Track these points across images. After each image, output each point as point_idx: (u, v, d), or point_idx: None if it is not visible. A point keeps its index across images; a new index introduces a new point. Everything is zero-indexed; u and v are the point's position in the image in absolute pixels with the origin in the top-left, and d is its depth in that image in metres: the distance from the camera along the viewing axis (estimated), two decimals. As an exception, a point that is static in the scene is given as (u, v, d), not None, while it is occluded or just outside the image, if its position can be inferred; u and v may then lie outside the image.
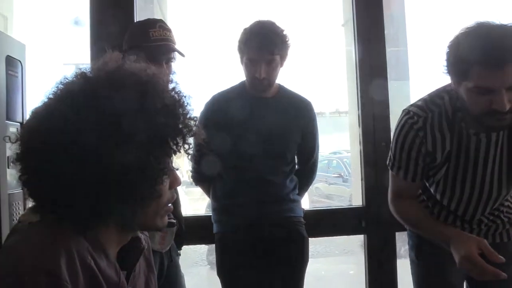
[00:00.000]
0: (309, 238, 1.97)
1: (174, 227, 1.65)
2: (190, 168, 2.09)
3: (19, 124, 1.77)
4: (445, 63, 1.33)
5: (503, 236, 1.57)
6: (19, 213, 1.73)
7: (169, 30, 1.72)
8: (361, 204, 2.35)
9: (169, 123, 0.81)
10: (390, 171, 1.54)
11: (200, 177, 2.06)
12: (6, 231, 1.63)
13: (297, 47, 2.05)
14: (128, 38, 1.73)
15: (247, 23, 1.91)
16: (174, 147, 0.83)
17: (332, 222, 2.30)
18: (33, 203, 0.84)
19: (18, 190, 1.74)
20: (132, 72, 0.83)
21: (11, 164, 1.59)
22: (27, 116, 0.90)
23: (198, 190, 2.27)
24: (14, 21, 3.50)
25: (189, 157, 2.22)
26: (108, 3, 2.13)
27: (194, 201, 5.91)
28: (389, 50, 2.46)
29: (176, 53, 1.71)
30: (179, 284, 1.76)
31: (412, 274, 1.68)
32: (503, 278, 1.29)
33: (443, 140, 1.43)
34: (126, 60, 0.85)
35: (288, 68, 1.96)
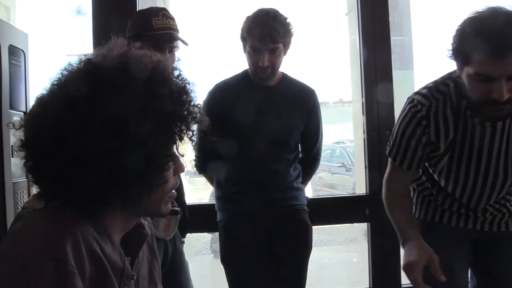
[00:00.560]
0: (313, 226, 1.98)
1: (178, 215, 1.66)
2: (194, 157, 2.09)
3: (22, 113, 1.77)
4: (450, 47, 1.32)
5: (508, 225, 1.56)
6: (23, 202, 1.74)
7: (172, 19, 1.71)
8: (364, 192, 2.35)
9: (175, 109, 0.82)
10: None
11: (203, 166, 2.06)
12: (11, 220, 1.65)
13: (300, 36, 2.04)
14: (130, 27, 1.72)
15: (250, 11, 1.90)
16: (180, 133, 0.84)
17: (335, 210, 2.31)
18: (38, 190, 0.84)
19: (22, 179, 1.75)
20: (138, 58, 0.83)
21: (15, 153, 1.60)
22: (31, 105, 0.91)
23: (202, 180, 2.28)
24: (17, 11, 3.50)
25: (193, 145, 2.23)
26: (110, -8, 2.12)
27: (198, 191, 5.93)
28: (394, 39, 2.45)
29: (179, 42, 1.71)
30: (184, 271, 1.77)
31: None
32: None
33: (447, 128, 1.43)
34: (131, 46, 0.85)
35: (292, 57, 1.96)
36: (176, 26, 1.71)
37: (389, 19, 2.32)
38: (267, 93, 1.94)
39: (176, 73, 0.86)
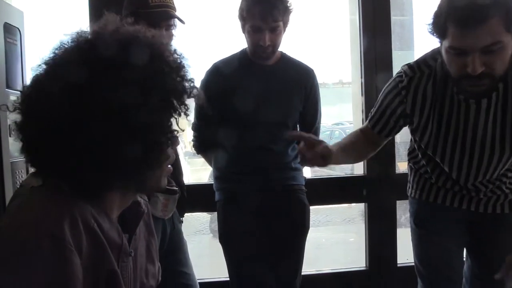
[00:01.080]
0: (311, 207, 1.99)
1: (176, 194, 1.66)
2: (192, 138, 2.09)
3: (19, 92, 1.75)
4: (430, 21, 1.31)
5: (504, 207, 1.56)
6: (21, 181, 1.74)
7: None
8: (362, 172, 2.36)
9: (175, 84, 0.82)
10: None
11: (202, 146, 2.06)
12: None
13: (299, 15, 2.02)
14: (127, 5, 1.69)
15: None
16: (180, 108, 0.84)
17: (333, 190, 2.32)
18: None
19: (20, 159, 1.75)
20: (133, 34, 0.82)
21: (12, 132, 1.59)
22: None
23: (201, 160, 2.28)
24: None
25: (191, 126, 2.21)
26: (106, -31, 2.08)
27: (196, 171, 5.95)
28: (394, 19, 2.42)
29: (176, 20, 1.69)
30: (182, 250, 1.79)
31: (411, 240, 1.70)
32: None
33: (423, 103, 1.43)
34: (124, 22, 0.84)
35: (291, 37, 1.93)
36: (173, 4, 1.69)
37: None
38: (266, 72, 1.93)
39: (171, 48, 0.85)
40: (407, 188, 1.70)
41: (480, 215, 1.57)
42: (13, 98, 1.70)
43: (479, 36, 1.20)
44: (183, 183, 1.80)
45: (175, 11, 1.69)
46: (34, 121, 0.78)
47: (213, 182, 2.04)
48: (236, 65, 1.95)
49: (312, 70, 2.01)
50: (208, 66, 1.99)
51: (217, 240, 1.97)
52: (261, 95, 1.90)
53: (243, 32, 1.89)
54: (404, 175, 1.78)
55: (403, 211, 2.79)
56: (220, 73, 1.94)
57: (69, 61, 0.79)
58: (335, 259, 3.83)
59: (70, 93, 0.75)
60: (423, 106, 1.44)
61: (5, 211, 0.82)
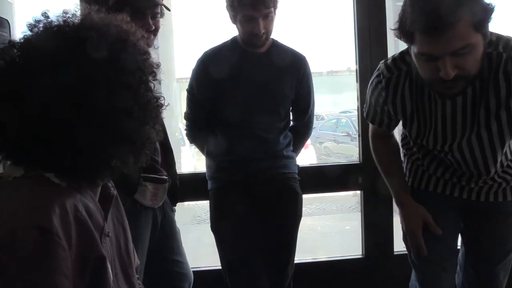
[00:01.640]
0: (306, 195, 1.98)
1: (165, 183, 1.67)
2: (184, 127, 2.09)
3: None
4: (395, 25, 1.25)
5: (498, 196, 1.53)
6: None
7: None
8: (358, 160, 2.34)
9: (148, 61, 0.85)
10: None
11: (194, 135, 2.06)
12: None
13: (307, 3, 1.99)
14: (113, -8, 1.68)
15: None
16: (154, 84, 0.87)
17: (328, 178, 2.30)
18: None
19: None
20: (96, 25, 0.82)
21: None
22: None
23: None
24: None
25: (183, 115, 2.20)
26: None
27: (202, 160, 5.94)
28: (398, 4, 2.37)
29: (163, 8, 1.67)
30: (175, 239, 1.79)
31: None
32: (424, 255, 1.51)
33: (403, 101, 1.42)
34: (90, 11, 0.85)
35: (299, 27, 1.91)
36: None
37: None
38: (258, 60, 1.91)
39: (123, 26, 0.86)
40: None
41: (473, 203, 1.55)
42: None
43: (448, 41, 1.15)
44: (175, 172, 1.81)
45: (162, -1, 1.67)
46: (14, 118, 0.78)
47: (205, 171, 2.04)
48: (227, 53, 1.93)
49: (304, 58, 1.99)
50: (198, 55, 1.98)
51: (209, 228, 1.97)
52: (253, 83, 1.88)
53: (234, 22, 1.87)
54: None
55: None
56: (210, 61, 1.93)
57: (39, 51, 0.79)
58: (333, 248, 3.82)
59: (49, 86, 0.76)
60: (404, 105, 1.42)
61: None
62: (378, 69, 1.46)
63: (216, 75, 1.90)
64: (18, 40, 0.82)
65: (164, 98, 0.91)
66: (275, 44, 1.96)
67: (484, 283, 1.61)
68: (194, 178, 2.19)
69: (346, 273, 2.29)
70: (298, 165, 2.03)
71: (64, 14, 0.83)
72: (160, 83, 0.91)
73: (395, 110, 1.45)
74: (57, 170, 0.80)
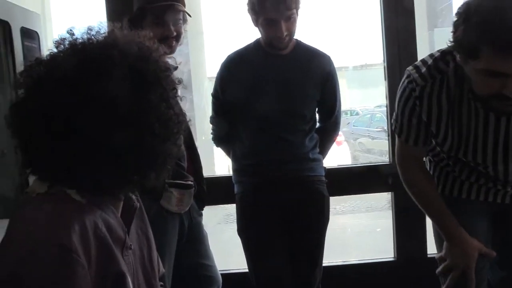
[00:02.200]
0: (335, 197, 1.94)
1: (191, 189, 1.68)
2: (211, 131, 2.09)
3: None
4: (451, 36, 1.18)
5: None
6: None
7: None
8: (388, 161, 2.28)
9: (169, 78, 0.86)
10: None
11: (220, 139, 2.06)
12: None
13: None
14: (135, 0, 1.71)
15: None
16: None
17: (358, 180, 2.26)
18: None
19: None
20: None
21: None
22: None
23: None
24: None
25: (209, 119, 2.21)
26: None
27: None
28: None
29: (185, 14, 1.68)
30: (202, 242, 1.80)
31: (434, 236, 1.63)
32: None
33: (440, 112, 1.34)
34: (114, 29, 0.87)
35: (332, 23, 1.86)
36: None
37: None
38: (282, 62, 1.89)
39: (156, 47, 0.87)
40: None
41: (505, 206, 1.48)
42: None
43: None
44: (202, 176, 1.82)
45: (184, 5, 1.68)
46: (37, 132, 0.80)
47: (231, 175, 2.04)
48: (250, 56, 1.92)
49: (329, 57, 1.95)
50: (222, 59, 1.97)
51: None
52: (276, 86, 1.86)
53: (256, 25, 1.86)
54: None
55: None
56: (234, 65, 1.93)
57: (62, 67, 0.80)
58: (363, 249, 3.75)
59: (70, 100, 0.77)
60: (440, 115, 1.34)
61: (14, 218, 0.82)
62: (409, 76, 1.36)
63: (240, 78, 1.89)
64: (44, 57, 0.84)
65: (186, 114, 0.91)
66: (298, 44, 1.93)
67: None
68: (223, 181, 2.19)
69: (378, 276, 2.24)
70: (325, 167, 2.00)
71: (89, 31, 0.84)
72: (181, 99, 0.92)
73: (429, 118, 1.36)
74: (79, 187, 0.81)
